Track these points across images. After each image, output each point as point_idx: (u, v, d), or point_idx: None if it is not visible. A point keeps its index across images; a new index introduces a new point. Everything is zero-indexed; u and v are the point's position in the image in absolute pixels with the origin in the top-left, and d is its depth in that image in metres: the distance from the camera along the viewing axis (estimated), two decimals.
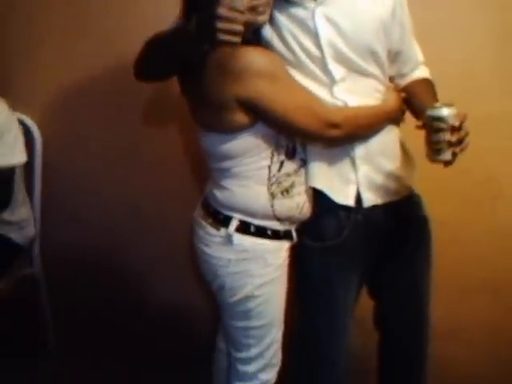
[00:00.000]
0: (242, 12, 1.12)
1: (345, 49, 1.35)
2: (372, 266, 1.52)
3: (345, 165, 1.42)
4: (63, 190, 2.22)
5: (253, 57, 1.23)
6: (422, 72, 1.55)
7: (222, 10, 1.11)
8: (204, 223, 1.41)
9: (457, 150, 1.28)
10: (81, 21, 2.06)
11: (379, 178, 1.44)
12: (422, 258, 1.57)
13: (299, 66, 1.36)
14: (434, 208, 1.82)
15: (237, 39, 1.12)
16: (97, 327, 2.28)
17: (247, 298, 1.38)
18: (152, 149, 2.13)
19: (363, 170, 1.42)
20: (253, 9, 1.23)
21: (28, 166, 2.11)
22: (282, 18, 1.35)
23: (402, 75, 1.53)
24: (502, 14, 1.85)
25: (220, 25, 1.11)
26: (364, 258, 1.48)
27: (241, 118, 1.28)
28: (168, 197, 2.09)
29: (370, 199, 1.44)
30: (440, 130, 1.26)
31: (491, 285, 1.97)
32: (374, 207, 1.45)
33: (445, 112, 1.26)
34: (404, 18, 1.45)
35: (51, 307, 2.29)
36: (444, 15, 1.86)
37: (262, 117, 1.28)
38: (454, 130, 1.26)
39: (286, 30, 1.35)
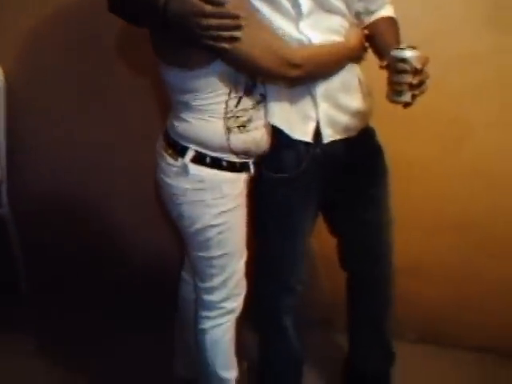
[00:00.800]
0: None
1: None
2: (329, 196, 1.57)
3: (305, 102, 1.45)
4: (30, 130, 2.24)
5: None
6: (387, 11, 1.55)
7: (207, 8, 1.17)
8: (164, 154, 1.44)
9: (416, 92, 1.30)
10: None
11: (339, 115, 1.47)
12: (379, 188, 1.61)
13: None
14: (401, 146, 1.87)
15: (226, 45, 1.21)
16: (69, 272, 2.35)
17: (206, 227, 1.43)
18: (122, 92, 2.13)
19: (323, 106, 1.45)
20: None
21: None
22: None
23: (369, 12, 1.53)
24: None
25: (206, 22, 1.18)
26: (321, 188, 1.54)
27: (199, 55, 1.29)
28: (141, 139, 2.10)
29: (329, 135, 1.47)
30: (403, 71, 1.28)
31: (457, 224, 2.01)
32: (333, 142, 1.48)
33: (408, 54, 1.27)
34: None
35: (22, 251, 2.35)
36: None
37: (222, 55, 1.29)
38: (417, 72, 1.28)
39: None
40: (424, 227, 2.04)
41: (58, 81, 2.18)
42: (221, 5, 1.20)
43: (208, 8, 1.20)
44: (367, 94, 1.54)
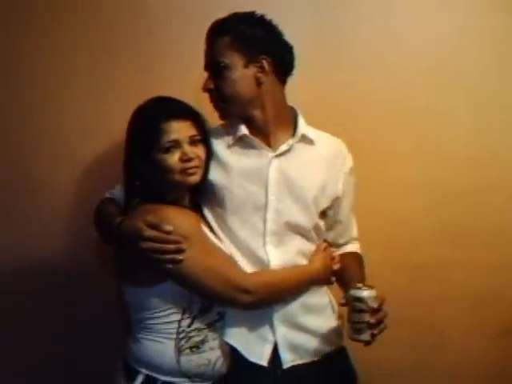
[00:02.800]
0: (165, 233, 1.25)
1: (288, 200, 1.40)
2: None
3: (262, 324, 1.41)
4: None
5: (174, 221, 1.27)
6: (354, 246, 1.59)
7: (146, 232, 1.25)
8: (119, 377, 1.38)
9: (375, 331, 1.29)
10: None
11: (300, 337, 1.42)
12: None
13: (238, 209, 1.40)
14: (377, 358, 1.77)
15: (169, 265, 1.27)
16: None
17: None
18: None
19: (281, 330, 1.41)
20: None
21: None
22: (233, 158, 1.42)
23: (336, 245, 1.57)
24: None
25: (145, 245, 1.25)
26: None
27: (152, 273, 1.30)
28: None
29: (290, 359, 1.41)
30: (360, 310, 1.28)
31: None
32: (296, 365, 1.41)
33: (365, 293, 1.28)
34: (351, 196, 1.53)
35: None
36: None
37: (172, 276, 1.30)
38: (374, 311, 1.27)
39: (235, 171, 1.41)
40: None
41: None
42: (165, 231, 1.25)
43: (147, 232, 1.25)
44: (337, 313, 1.50)
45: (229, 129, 1.46)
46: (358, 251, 1.60)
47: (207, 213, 1.45)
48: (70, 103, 1.85)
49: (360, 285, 1.30)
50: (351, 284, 1.33)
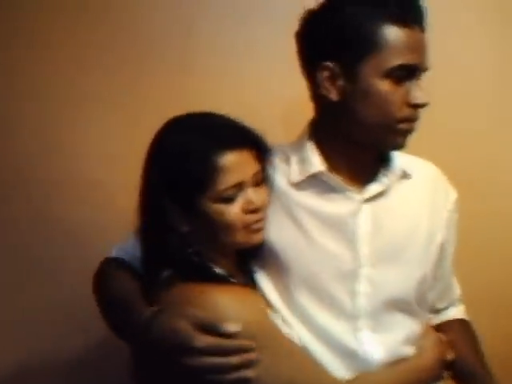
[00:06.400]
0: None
1: (387, 264, 0.97)
2: None
3: None
4: None
5: (235, 314, 0.83)
6: (459, 311, 1.17)
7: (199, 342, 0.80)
8: None
9: None
10: None
11: None
12: None
13: (312, 278, 0.96)
14: None
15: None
16: None
17: None
18: None
19: None
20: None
21: None
22: (301, 203, 0.99)
23: (435, 310, 1.14)
24: None
25: (197, 362, 0.80)
26: None
27: None
28: None
29: None
30: None
31: None
32: None
33: None
34: (454, 240, 1.12)
35: None
36: None
37: None
38: None
39: (306, 222, 0.98)
40: None
41: None
42: (228, 333, 0.80)
43: (201, 342, 0.79)
44: None
45: (291, 154, 1.03)
46: (465, 317, 1.17)
47: (263, 284, 0.99)
48: None
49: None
50: (465, 365, 1.01)
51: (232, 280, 0.92)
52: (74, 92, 1.42)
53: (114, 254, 1.04)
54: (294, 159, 1.01)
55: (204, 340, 0.79)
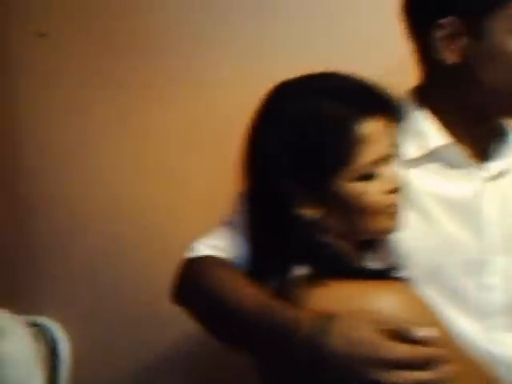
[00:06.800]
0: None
1: None
2: None
3: None
4: None
5: (404, 313, 0.68)
6: None
7: (396, 351, 0.63)
8: None
9: None
10: None
11: None
12: None
13: (432, 270, 0.84)
14: None
15: None
16: None
17: None
18: None
19: None
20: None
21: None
22: (417, 183, 0.85)
23: None
24: None
25: (395, 378, 0.62)
26: None
27: None
28: None
29: None
30: None
31: None
32: None
33: None
34: None
35: None
36: None
37: None
38: None
39: (426, 205, 0.85)
40: None
41: None
42: (424, 339, 0.63)
43: (398, 352, 0.63)
44: None
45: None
46: None
47: None
48: None
49: None
50: None
51: (390, 274, 0.76)
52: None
53: (200, 251, 0.85)
54: (407, 132, 0.85)
55: (402, 350, 0.63)
